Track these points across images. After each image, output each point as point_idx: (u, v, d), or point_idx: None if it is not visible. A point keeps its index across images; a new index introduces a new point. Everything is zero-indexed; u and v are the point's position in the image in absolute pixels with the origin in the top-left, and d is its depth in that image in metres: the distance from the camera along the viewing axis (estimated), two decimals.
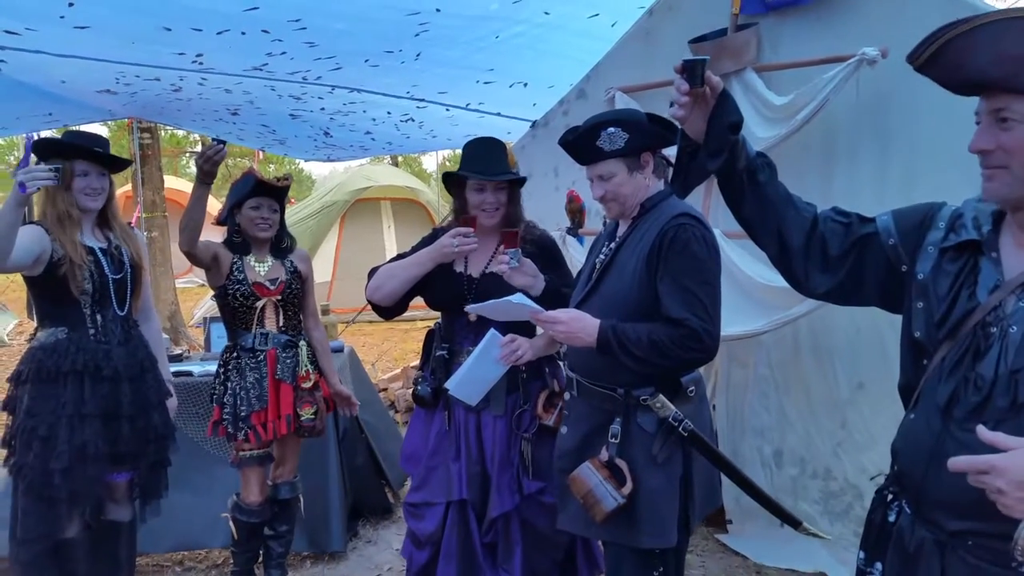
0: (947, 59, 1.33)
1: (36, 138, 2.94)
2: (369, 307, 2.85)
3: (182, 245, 3.04)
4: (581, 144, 2.23)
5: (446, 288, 2.72)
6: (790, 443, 3.81)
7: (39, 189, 2.56)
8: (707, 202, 3.73)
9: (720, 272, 2.18)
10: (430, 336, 2.85)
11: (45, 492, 2.76)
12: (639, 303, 2.14)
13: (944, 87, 1.38)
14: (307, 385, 3.25)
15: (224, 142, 2.89)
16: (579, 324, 2.14)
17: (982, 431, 1.19)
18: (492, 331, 2.54)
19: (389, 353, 9.21)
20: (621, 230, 2.30)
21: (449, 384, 2.58)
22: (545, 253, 2.74)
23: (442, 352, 2.75)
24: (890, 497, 1.50)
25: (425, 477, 2.74)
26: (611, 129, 2.16)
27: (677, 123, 1.69)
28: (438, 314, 2.88)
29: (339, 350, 4.25)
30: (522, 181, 2.75)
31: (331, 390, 3.44)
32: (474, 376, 2.57)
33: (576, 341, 2.15)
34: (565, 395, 2.41)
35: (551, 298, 2.51)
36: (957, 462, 1.19)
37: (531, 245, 2.70)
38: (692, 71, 1.55)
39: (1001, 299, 1.34)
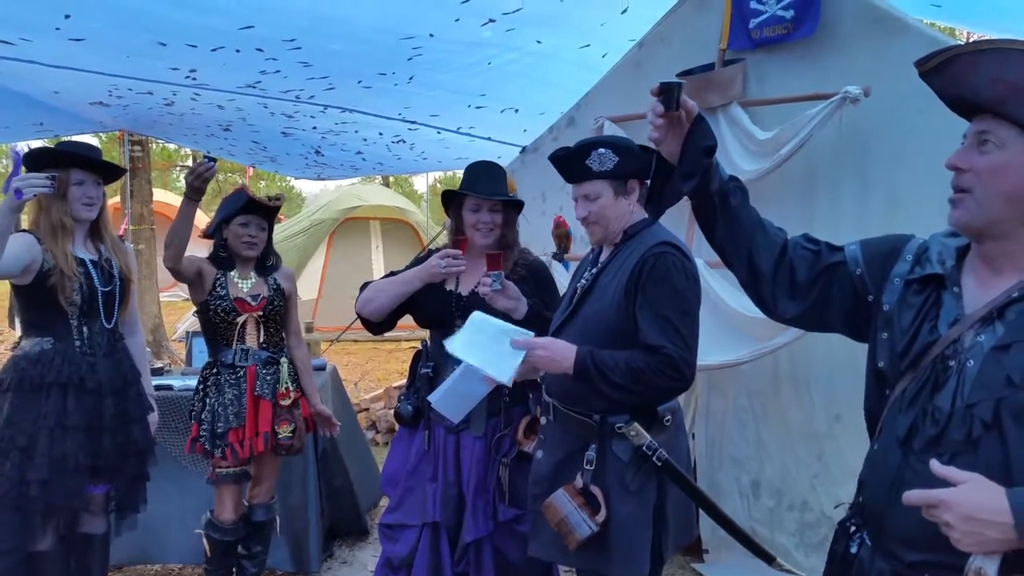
0: (951, 72, 1.37)
1: (26, 150, 2.93)
2: (354, 327, 2.86)
3: (167, 261, 3.03)
4: (571, 161, 2.26)
5: (434, 305, 2.73)
6: (768, 474, 3.83)
7: (35, 196, 2.57)
8: (691, 231, 3.78)
9: (699, 302, 2.20)
10: (418, 356, 2.86)
11: (20, 503, 2.73)
12: (617, 329, 2.15)
13: (940, 98, 1.42)
14: (286, 403, 3.22)
15: (215, 159, 2.91)
16: (557, 349, 2.15)
17: (935, 465, 1.22)
18: None
19: (372, 373, 9.19)
20: (603, 256, 2.32)
21: (432, 396, 2.57)
22: (537, 279, 2.76)
23: (427, 370, 2.76)
24: (852, 529, 1.52)
25: (402, 498, 2.74)
26: (602, 150, 2.20)
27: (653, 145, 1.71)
28: (423, 336, 2.90)
29: (321, 368, 4.25)
30: (518, 205, 2.77)
31: (312, 410, 3.41)
32: (458, 391, 2.55)
33: (554, 367, 2.16)
34: (541, 419, 2.41)
35: (534, 322, 2.52)
36: (910, 496, 1.22)
37: (524, 270, 2.73)
38: (668, 94, 1.57)
39: (960, 333, 1.36)
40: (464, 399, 2.57)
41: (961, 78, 1.35)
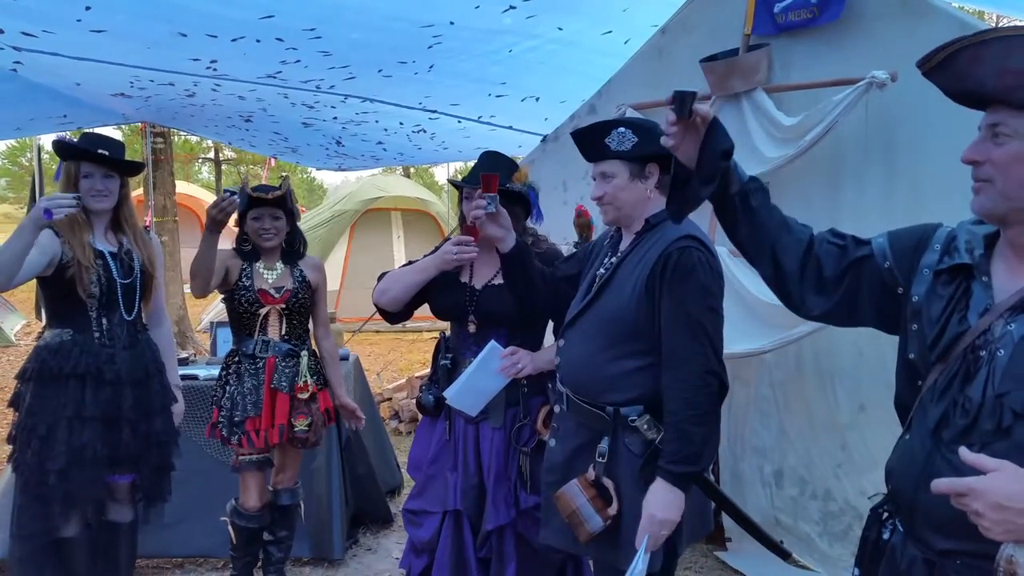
0: (955, 68, 1.34)
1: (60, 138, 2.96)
2: (376, 317, 2.86)
3: (195, 291, 3.06)
4: (590, 138, 2.22)
5: (448, 296, 2.73)
6: (790, 463, 3.80)
7: (65, 217, 2.58)
8: (713, 222, 3.73)
9: (723, 296, 2.15)
10: (439, 346, 2.86)
11: (40, 491, 2.77)
12: (635, 323, 2.11)
13: (947, 95, 1.40)
14: (303, 396, 3.22)
15: (235, 192, 2.89)
16: (664, 508, 2.01)
17: (964, 452, 1.20)
18: (492, 342, 2.53)
19: (395, 363, 9.22)
20: (624, 244, 2.27)
21: (447, 393, 2.57)
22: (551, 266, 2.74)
23: (446, 361, 2.76)
24: (885, 515, 1.51)
25: (424, 485, 2.75)
26: (622, 129, 2.16)
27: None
28: (444, 327, 2.89)
29: (344, 358, 4.27)
30: (515, 196, 2.68)
31: (337, 402, 3.42)
32: (473, 386, 2.56)
33: (676, 507, 2.02)
34: (555, 408, 2.37)
35: (516, 259, 2.43)
36: (939, 484, 1.21)
37: (538, 259, 2.70)
38: (681, 102, 1.59)
39: (990, 323, 1.34)
40: (479, 394, 2.59)
41: (966, 72, 1.33)
